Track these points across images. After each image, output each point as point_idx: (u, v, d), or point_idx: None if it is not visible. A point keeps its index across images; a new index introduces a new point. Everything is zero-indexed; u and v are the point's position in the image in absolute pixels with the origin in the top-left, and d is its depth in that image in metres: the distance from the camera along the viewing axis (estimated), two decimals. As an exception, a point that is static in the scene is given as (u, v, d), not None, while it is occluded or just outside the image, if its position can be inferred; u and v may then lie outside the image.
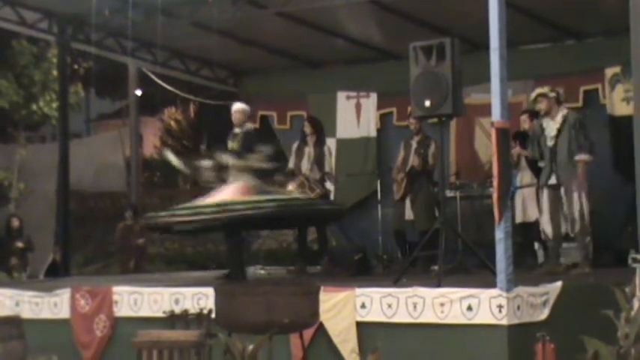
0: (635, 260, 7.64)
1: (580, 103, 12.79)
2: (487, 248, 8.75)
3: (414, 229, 11.72)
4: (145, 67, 16.05)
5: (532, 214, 11.17)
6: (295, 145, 12.29)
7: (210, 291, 8.61)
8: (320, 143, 12.17)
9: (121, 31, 13.49)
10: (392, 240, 12.47)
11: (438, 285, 8.26)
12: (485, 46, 8.05)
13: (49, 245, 16.66)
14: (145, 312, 9.56)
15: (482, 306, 7.75)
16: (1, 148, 23.40)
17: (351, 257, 11.40)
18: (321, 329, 8.44)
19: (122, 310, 9.77)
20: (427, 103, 9.10)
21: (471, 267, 10.12)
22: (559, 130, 10.00)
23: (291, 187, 11.33)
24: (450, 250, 10.06)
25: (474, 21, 9.62)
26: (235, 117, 11.18)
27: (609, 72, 12.67)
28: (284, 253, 16.25)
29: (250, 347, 5.01)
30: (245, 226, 11.20)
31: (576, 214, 9.89)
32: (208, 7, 12.41)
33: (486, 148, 12.79)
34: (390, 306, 8.22)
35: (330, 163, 12.37)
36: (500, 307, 7.64)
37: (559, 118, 10.06)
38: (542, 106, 10.20)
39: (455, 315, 7.90)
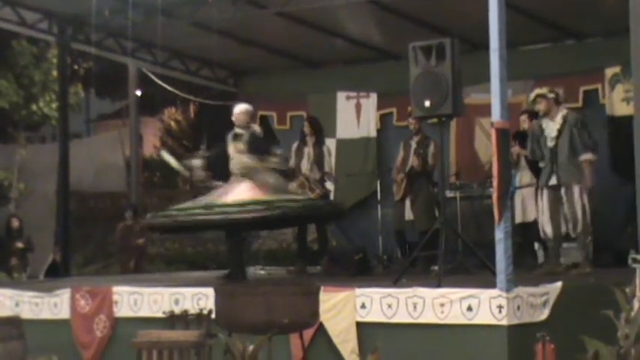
0: (635, 260, 7.63)
1: (580, 104, 12.79)
2: (487, 248, 8.75)
3: (413, 230, 11.72)
4: (145, 68, 16.05)
5: (531, 214, 11.17)
6: (295, 146, 12.30)
7: (210, 291, 8.60)
8: (319, 143, 12.18)
9: (121, 32, 13.49)
10: (392, 240, 12.48)
11: (438, 285, 8.26)
12: (485, 46, 8.05)
13: (49, 245, 16.66)
14: (144, 312, 9.55)
15: (482, 306, 7.74)
16: (1, 149, 23.40)
17: (351, 257, 11.39)
18: (321, 329, 8.44)
19: (122, 310, 9.76)
20: (427, 104, 9.10)
21: (470, 267, 10.12)
22: (559, 131, 10.00)
23: (290, 187, 11.32)
24: (450, 251, 10.07)
25: (474, 21, 9.63)
26: (241, 118, 11.01)
27: (609, 72, 12.68)
28: (284, 254, 16.24)
29: (250, 347, 5.01)
30: (260, 227, 11.29)
31: (579, 214, 9.89)
32: (208, 8, 12.41)
33: (486, 148, 12.79)
34: (390, 306, 8.22)
35: (330, 163, 12.38)
36: (500, 307, 7.64)
37: (559, 118, 10.06)
38: (541, 106, 10.20)
39: (455, 315, 7.90)
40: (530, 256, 11.46)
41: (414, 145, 11.81)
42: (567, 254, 11.05)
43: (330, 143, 13.57)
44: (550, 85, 10.51)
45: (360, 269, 11.17)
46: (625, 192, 10.93)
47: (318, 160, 12.04)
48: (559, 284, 8.26)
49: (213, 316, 7.62)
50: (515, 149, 11.07)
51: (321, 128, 12.40)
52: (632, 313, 4.40)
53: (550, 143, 10.05)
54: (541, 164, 10.31)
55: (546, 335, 6.48)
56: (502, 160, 7.88)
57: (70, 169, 14.20)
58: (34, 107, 22.25)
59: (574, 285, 8.60)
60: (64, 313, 10.16)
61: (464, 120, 13.00)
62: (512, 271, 7.74)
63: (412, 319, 8.11)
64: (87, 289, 10.16)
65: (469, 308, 7.83)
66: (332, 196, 12.90)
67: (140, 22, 12.92)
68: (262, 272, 12.78)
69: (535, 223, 10.66)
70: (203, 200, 10.74)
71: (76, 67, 24.30)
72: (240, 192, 10.47)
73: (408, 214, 11.79)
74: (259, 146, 10.85)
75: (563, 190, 9.97)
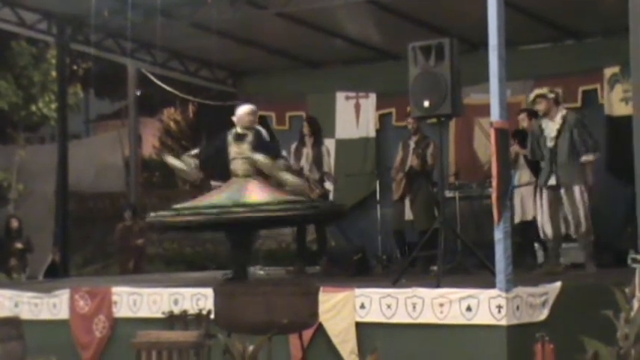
0: (634, 260, 7.63)
1: (579, 104, 12.80)
2: (486, 248, 8.75)
3: (413, 230, 11.72)
4: (144, 68, 16.06)
5: (530, 213, 11.17)
6: (293, 146, 12.30)
7: (209, 291, 8.61)
8: (318, 144, 12.17)
9: (120, 32, 13.48)
10: (391, 240, 12.47)
11: (437, 285, 8.26)
12: (484, 46, 8.06)
13: (48, 246, 16.67)
14: (144, 312, 9.55)
15: (482, 306, 7.74)
16: (0, 149, 23.40)
17: (351, 257, 11.39)
18: (321, 330, 8.44)
19: (121, 310, 9.76)
20: (426, 104, 9.10)
21: (470, 267, 10.12)
22: (559, 131, 10.01)
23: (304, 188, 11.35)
24: (449, 251, 10.07)
25: (473, 21, 9.63)
26: (245, 119, 10.88)
27: (608, 72, 12.68)
28: (283, 254, 16.23)
29: (250, 348, 5.00)
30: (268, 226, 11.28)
31: (582, 215, 9.89)
32: (207, 8, 12.40)
33: (485, 148, 12.79)
34: (389, 306, 8.22)
35: (329, 163, 12.38)
36: (499, 307, 7.64)
37: (558, 118, 10.07)
38: (540, 107, 10.20)
39: (454, 315, 7.90)
40: (529, 256, 11.46)
41: (412, 145, 11.81)
42: (567, 254, 11.06)
43: (330, 143, 13.57)
44: (549, 84, 10.52)
45: (359, 269, 11.17)
46: (624, 192, 10.93)
47: (317, 161, 12.04)
48: (558, 284, 8.26)
49: (212, 316, 7.62)
50: (514, 148, 11.07)
51: (319, 128, 12.39)
52: (632, 314, 4.40)
53: (549, 143, 10.05)
54: (542, 164, 10.31)
55: (546, 335, 6.47)
56: (501, 160, 7.88)
57: (69, 169, 14.19)
58: (33, 108, 22.26)
59: (573, 285, 8.60)
60: (63, 313, 10.16)
61: (463, 120, 13.00)
62: (511, 271, 7.74)
63: (411, 320, 8.11)
64: (86, 289, 10.16)
65: (468, 308, 7.83)
66: (331, 197, 12.90)
67: (139, 22, 12.92)
68: (261, 272, 12.78)
69: (534, 222, 10.66)
70: (223, 198, 10.46)
71: (75, 67, 24.32)
72: (265, 191, 10.44)
73: (408, 214, 11.78)
74: (266, 147, 10.82)
75: (563, 191, 9.98)
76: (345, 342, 8.43)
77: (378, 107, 14.75)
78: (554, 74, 12.54)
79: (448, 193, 12.30)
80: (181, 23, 13.12)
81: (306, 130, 12.21)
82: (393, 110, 14.46)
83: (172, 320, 8.04)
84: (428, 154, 11.59)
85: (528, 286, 8.03)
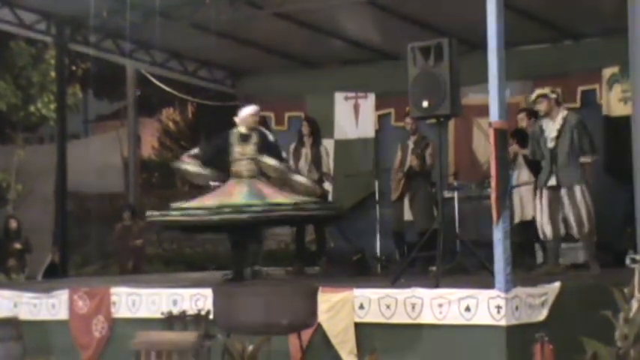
0: (633, 261, 7.63)
1: (578, 104, 12.79)
2: (485, 249, 8.75)
3: (412, 230, 11.72)
4: (143, 69, 16.06)
5: (530, 212, 11.17)
6: (292, 147, 12.29)
7: (208, 292, 8.61)
8: (317, 144, 12.17)
9: (119, 33, 13.47)
10: (390, 240, 12.47)
11: (437, 286, 8.26)
12: (483, 47, 8.06)
13: (47, 246, 16.67)
14: (143, 313, 9.54)
15: (481, 307, 7.74)
16: (-1, 150, 23.43)
17: (350, 258, 11.39)
18: (320, 330, 8.43)
19: (120, 311, 9.75)
20: (425, 104, 9.10)
21: (469, 267, 10.10)
22: (559, 131, 10.00)
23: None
24: (449, 251, 10.06)
25: (472, 21, 9.61)
26: (249, 120, 10.88)
27: (607, 72, 12.67)
28: (282, 254, 16.23)
29: (249, 348, 5.01)
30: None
31: (584, 216, 9.88)
32: (206, 9, 12.39)
33: (484, 148, 12.79)
34: (388, 307, 8.22)
35: (328, 163, 12.38)
36: (498, 307, 7.64)
37: (559, 119, 10.06)
38: (542, 107, 10.19)
39: (453, 316, 7.89)
40: (529, 256, 11.46)
41: (411, 145, 11.82)
42: (566, 254, 11.06)
43: (328, 144, 13.56)
44: (548, 85, 10.53)
45: (358, 270, 11.17)
46: (623, 192, 10.93)
47: (316, 161, 12.04)
48: (557, 284, 8.26)
49: (211, 316, 7.62)
50: (513, 148, 11.07)
51: (318, 129, 12.39)
52: (631, 314, 4.40)
53: (550, 144, 10.05)
54: (542, 164, 10.31)
55: (545, 336, 6.49)
56: (500, 161, 7.88)
57: (68, 170, 14.18)
58: (32, 108, 22.25)
59: (573, 285, 8.60)
60: (62, 313, 10.15)
61: (462, 120, 12.99)
62: (510, 271, 7.74)
63: (410, 320, 8.10)
64: (85, 289, 10.15)
65: (467, 309, 7.82)
66: (330, 197, 12.90)
67: (138, 23, 12.90)
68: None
69: (534, 221, 10.65)
70: (243, 198, 10.39)
71: (74, 68, 24.32)
72: (282, 192, 10.45)
73: (407, 215, 11.79)
74: (273, 149, 10.83)
75: (563, 191, 9.97)
76: (344, 342, 8.42)
77: (377, 108, 14.74)
78: (553, 74, 12.53)
79: (447, 194, 12.28)
80: (180, 24, 13.11)
81: (305, 129, 12.20)
82: (392, 111, 14.46)
83: (171, 321, 8.04)
84: (427, 154, 11.60)
85: (527, 287, 8.03)
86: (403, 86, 9.43)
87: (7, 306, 10.43)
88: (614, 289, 4.61)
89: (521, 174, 11.41)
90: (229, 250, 11.59)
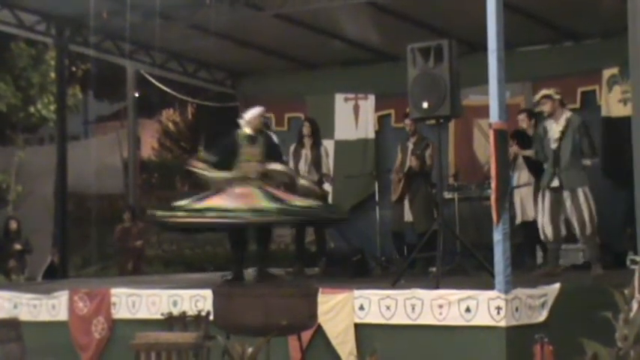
0: (633, 262, 7.65)
1: (577, 105, 12.79)
2: (485, 250, 8.76)
3: (412, 231, 11.73)
4: (143, 70, 16.06)
5: (531, 214, 11.18)
6: (292, 148, 12.28)
7: (208, 293, 8.61)
8: (317, 145, 12.16)
9: (119, 34, 13.48)
10: (390, 241, 12.47)
11: (437, 287, 8.26)
12: (483, 48, 8.06)
13: (47, 247, 16.67)
14: (143, 314, 9.55)
15: (481, 308, 7.74)
16: (-1, 151, 23.44)
17: (350, 259, 11.39)
18: (320, 331, 8.44)
19: (120, 312, 9.76)
20: (425, 105, 9.11)
21: (469, 268, 10.11)
22: (562, 133, 9.98)
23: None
24: (449, 252, 10.08)
25: (472, 22, 9.63)
26: (255, 122, 10.87)
27: (607, 73, 12.67)
28: (282, 255, 16.23)
29: (249, 349, 5.00)
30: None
31: (586, 218, 9.88)
32: (206, 10, 12.40)
33: (484, 149, 12.79)
34: (388, 307, 8.22)
35: (327, 164, 12.37)
36: (498, 308, 7.64)
37: (562, 120, 10.05)
38: (546, 107, 10.17)
39: (453, 317, 7.89)
40: (529, 257, 11.47)
41: (411, 146, 11.83)
42: (566, 256, 11.06)
43: (329, 145, 13.55)
44: (548, 86, 10.51)
45: (358, 271, 11.17)
46: (623, 193, 10.94)
47: (316, 162, 12.03)
48: (557, 286, 8.26)
49: (211, 317, 7.61)
50: (513, 149, 11.07)
51: (318, 129, 12.39)
52: (631, 315, 4.39)
53: (553, 145, 10.03)
54: (545, 165, 10.30)
55: (545, 337, 6.48)
56: (500, 162, 7.88)
57: (68, 170, 14.19)
58: (32, 109, 22.26)
59: (572, 286, 8.60)
60: (62, 314, 10.16)
61: (462, 121, 12.99)
62: (510, 272, 7.74)
63: (410, 321, 8.11)
64: (85, 290, 10.16)
65: (467, 310, 7.82)
66: (330, 198, 12.90)
67: (138, 24, 12.91)
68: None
69: (535, 222, 10.64)
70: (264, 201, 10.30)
71: (74, 69, 24.33)
72: (294, 195, 10.49)
73: (407, 216, 11.80)
74: (278, 152, 10.84)
75: (566, 194, 9.94)
76: (344, 343, 8.42)
77: (377, 108, 14.74)
78: (553, 75, 12.52)
79: (447, 195, 12.30)
80: (180, 25, 13.12)
81: (306, 130, 12.17)
82: (392, 112, 14.46)
83: (171, 321, 8.03)
84: (426, 155, 11.61)
85: (527, 288, 8.03)
86: (403, 87, 9.43)
87: (7, 307, 10.44)
88: (614, 290, 4.61)
89: (522, 175, 11.41)
90: (229, 250, 11.60)
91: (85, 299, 10.02)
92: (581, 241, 10.45)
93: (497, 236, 7.75)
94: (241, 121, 10.93)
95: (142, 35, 13.59)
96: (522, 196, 11.42)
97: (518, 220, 11.41)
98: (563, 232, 10.17)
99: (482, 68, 8.00)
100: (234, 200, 10.23)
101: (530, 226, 11.09)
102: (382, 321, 8.25)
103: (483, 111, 9.16)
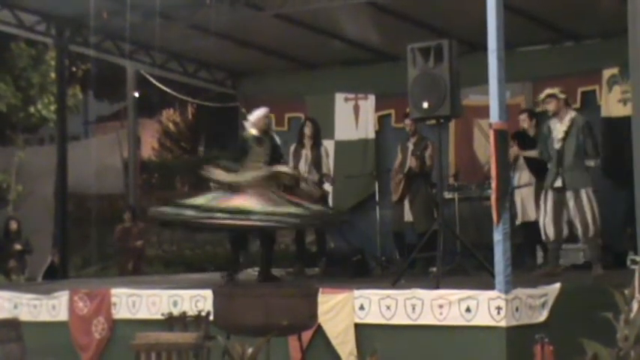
0: (633, 262, 7.65)
1: (578, 105, 12.79)
2: (485, 250, 8.76)
3: (413, 231, 11.73)
4: (143, 70, 16.06)
5: (532, 214, 11.18)
6: (292, 148, 12.27)
7: (208, 293, 8.61)
8: (317, 145, 12.15)
9: (119, 34, 13.48)
10: (390, 241, 12.47)
11: (437, 287, 8.26)
12: (483, 48, 8.06)
13: (48, 247, 16.66)
14: (143, 314, 9.55)
15: (481, 308, 7.74)
16: (-1, 151, 23.42)
17: (350, 259, 11.39)
18: (320, 331, 8.44)
19: (120, 312, 9.76)
20: (425, 105, 9.11)
21: (469, 269, 10.12)
22: (566, 133, 9.97)
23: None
24: (449, 252, 10.08)
25: (472, 22, 9.64)
26: (261, 123, 10.88)
27: (607, 73, 12.67)
28: (282, 255, 16.22)
29: (249, 350, 5.00)
30: None
31: (589, 219, 9.87)
32: (206, 10, 12.40)
33: (485, 149, 12.79)
34: (388, 308, 8.22)
35: (328, 164, 12.37)
36: (498, 308, 7.64)
37: (566, 120, 10.04)
38: (550, 106, 10.16)
39: (453, 317, 7.90)
40: (530, 257, 11.46)
41: (411, 146, 11.82)
42: (567, 256, 11.06)
43: (329, 145, 13.54)
44: (548, 86, 10.52)
45: (358, 271, 11.17)
46: (623, 193, 10.93)
47: (316, 162, 12.02)
48: (557, 286, 8.26)
49: (211, 318, 7.61)
50: (514, 149, 11.07)
51: (319, 129, 12.39)
52: (632, 315, 4.39)
53: (556, 145, 10.02)
54: (549, 165, 10.30)
55: (545, 337, 6.48)
56: (500, 162, 7.89)
57: (69, 171, 14.19)
58: (32, 109, 22.25)
59: (573, 286, 8.60)
60: (62, 315, 10.16)
61: (462, 121, 12.99)
62: (510, 272, 7.74)
63: (411, 321, 8.11)
64: (85, 291, 10.16)
65: (468, 310, 7.82)
66: (330, 198, 12.89)
67: (138, 24, 12.91)
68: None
69: (536, 223, 10.63)
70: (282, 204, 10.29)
71: (74, 69, 24.32)
72: (299, 198, 10.50)
73: (407, 216, 11.79)
74: (277, 154, 10.84)
75: (569, 195, 9.93)
76: (345, 343, 8.43)
77: (377, 109, 14.74)
78: (553, 75, 12.52)
79: (447, 195, 12.30)
80: (180, 25, 13.12)
81: (308, 130, 12.13)
82: (392, 112, 14.45)
83: (171, 322, 8.04)
84: (426, 155, 11.61)
85: (528, 288, 8.03)
86: (403, 87, 9.43)
87: (8, 307, 10.44)
88: (614, 290, 4.60)
89: (522, 175, 11.41)
90: (228, 250, 11.60)
91: (85, 299, 10.02)
92: (582, 242, 10.45)
93: (498, 236, 7.75)
94: (247, 123, 10.94)
95: (142, 35, 13.58)
96: (523, 196, 11.42)
97: (519, 220, 11.41)
98: (565, 232, 10.17)
99: (483, 68, 8.00)
100: (259, 202, 10.10)
101: (531, 227, 11.09)
102: (382, 321, 8.25)
103: (483, 111, 9.16)
